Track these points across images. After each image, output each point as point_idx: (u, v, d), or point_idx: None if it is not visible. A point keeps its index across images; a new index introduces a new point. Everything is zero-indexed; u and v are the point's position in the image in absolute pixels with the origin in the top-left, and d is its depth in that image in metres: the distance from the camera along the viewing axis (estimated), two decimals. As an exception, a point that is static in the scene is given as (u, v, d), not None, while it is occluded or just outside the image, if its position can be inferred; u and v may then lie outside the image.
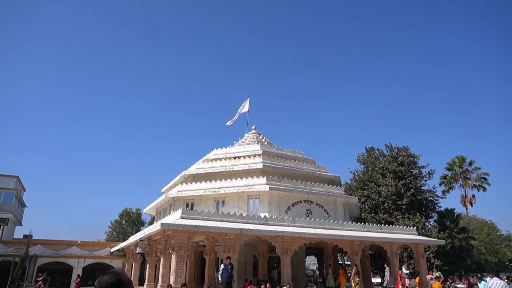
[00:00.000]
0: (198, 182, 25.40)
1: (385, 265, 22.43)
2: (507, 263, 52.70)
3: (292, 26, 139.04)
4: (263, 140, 32.04)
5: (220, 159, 27.73)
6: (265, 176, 23.71)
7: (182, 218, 17.38)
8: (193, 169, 27.74)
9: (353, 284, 20.08)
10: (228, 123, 34.80)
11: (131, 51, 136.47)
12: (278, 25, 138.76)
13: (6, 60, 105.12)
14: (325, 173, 28.61)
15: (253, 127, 33.59)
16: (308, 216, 23.69)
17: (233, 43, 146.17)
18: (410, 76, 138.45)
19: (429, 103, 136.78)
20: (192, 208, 22.42)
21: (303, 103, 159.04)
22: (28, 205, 39.18)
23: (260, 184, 23.26)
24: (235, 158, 27.40)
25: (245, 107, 33.99)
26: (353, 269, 20.74)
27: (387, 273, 21.56)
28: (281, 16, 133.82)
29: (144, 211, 33.32)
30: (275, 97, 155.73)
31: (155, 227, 17.50)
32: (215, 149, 29.74)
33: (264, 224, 19.53)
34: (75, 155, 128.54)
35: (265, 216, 20.48)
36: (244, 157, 27.08)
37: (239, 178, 24.27)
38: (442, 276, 23.14)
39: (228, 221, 18.73)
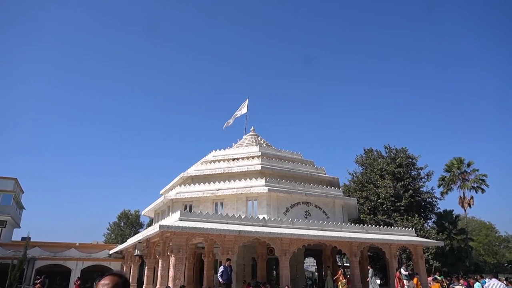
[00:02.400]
0: (197, 184, 25.37)
1: (368, 267, 22.08)
2: (505, 265, 52.77)
3: (291, 27, 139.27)
4: (262, 141, 32.07)
5: (219, 161, 27.73)
6: (264, 178, 23.70)
7: (181, 220, 17.35)
8: (192, 170, 27.74)
9: (340, 286, 19.94)
10: (224, 126, 34.75)
11: (130, 53, 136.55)
12: (277, 26, 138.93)
13: (6, 61, 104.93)
14: (324, 175, 28.61)
15: (251, 128, 33.64)
16: (306, 217, 23.66)
17: (232, 44, 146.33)
18: (408, 77, 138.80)
19: (428, 104, 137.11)
20: (190, 210, 22.38)
21: (301, 104, 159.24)
22: (26, 207, 39.12)
23: (258, 185, 23.25)
24: (233, 159, 27.40)
25: (243, 109, 33.97)
26: (339, 271, 20.61)
27: (370, 275, 21.36)
28: (280, 17, 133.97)
29: (143, 213, 33.26)
30: (273, 98, 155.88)
31: (154, 229, 17.47)
32: (213, 150, 29.74)
33: (262, 225, 19.51)
34: (73, 157, 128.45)
35: (263, 217, 20.45)
36: (243, 158, 27.08)
37: (237, 180, 24.24)
38: (444, 280, 22.98)
39: (227, 223, 18.70)
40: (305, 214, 24.07)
